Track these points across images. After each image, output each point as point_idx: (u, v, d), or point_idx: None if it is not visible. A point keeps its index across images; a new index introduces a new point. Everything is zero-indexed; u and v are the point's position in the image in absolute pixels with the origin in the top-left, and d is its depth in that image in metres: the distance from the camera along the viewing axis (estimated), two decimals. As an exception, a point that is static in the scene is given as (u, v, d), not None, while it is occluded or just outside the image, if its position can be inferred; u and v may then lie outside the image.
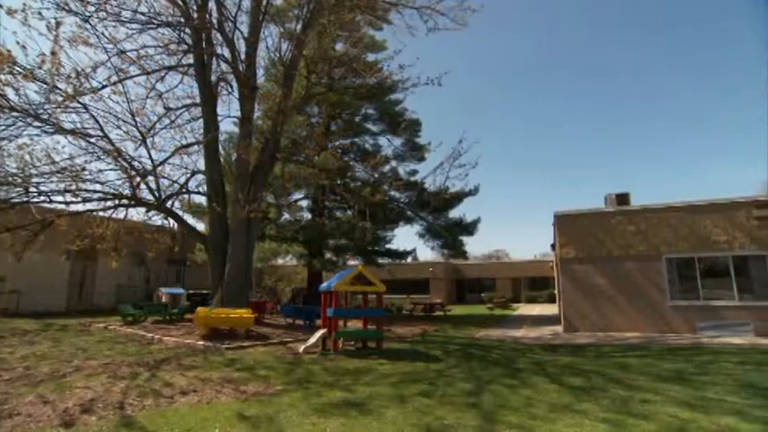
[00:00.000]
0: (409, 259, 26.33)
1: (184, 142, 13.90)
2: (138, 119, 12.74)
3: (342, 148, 22.65)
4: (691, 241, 13.16)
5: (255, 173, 14.30)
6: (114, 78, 11.81)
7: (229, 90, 15.21)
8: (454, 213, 21.58)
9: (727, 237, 12.82)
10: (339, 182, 17.94)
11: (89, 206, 12.76)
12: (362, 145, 23.26)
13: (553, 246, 14.96)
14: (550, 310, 24.06)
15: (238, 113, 14.57)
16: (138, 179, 12.88)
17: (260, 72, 16.31)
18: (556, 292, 19.11)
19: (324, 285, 10.41)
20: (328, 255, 22.75)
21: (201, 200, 17.09)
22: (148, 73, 12.75)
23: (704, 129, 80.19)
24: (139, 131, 12.80)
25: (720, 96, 74.16)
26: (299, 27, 14.20)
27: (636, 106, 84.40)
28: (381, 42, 21.21)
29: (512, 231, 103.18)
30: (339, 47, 17.62)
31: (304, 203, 24.49)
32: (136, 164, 13.05)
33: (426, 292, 35.37)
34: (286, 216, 23.05)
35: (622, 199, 15.58)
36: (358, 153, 22.70)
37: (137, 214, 15.45)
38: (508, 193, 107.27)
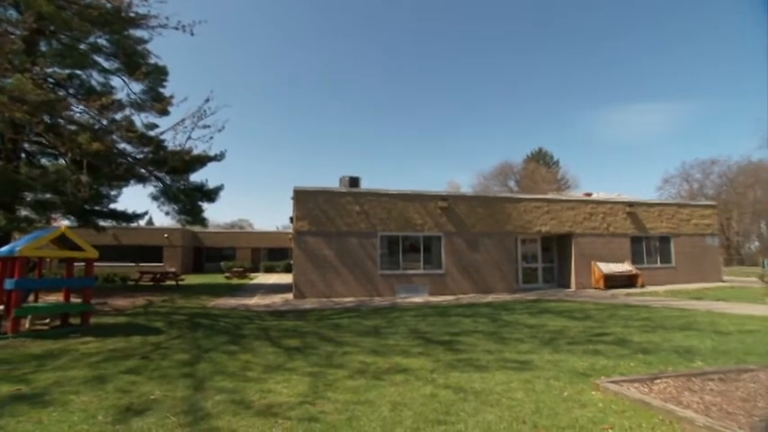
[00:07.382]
0: (142, 223, 23.20)
1: None
2: None
3: (54, 77, 17.78)
4: (399, 223, 16.30)
5: None
6: None
7: None
8: (196, 177, 20.12)
9: (422, 221, 16.48)
10: (47, 120, 14.05)
11: None
12: (87, 81, 18.84)
13: (292, 219, 15.90)
14: (286, 279, 25.46)
15: None
16: None
17: None
18: (292, 262, 20.48)
19: (4, 249, 8.11)
20: (25, 212, 17.69)
21: None
22: None
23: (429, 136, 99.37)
24: None
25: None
26: None
27: (383, 109, 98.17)
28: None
29: (259, 202, 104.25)
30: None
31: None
32: None
33: (160, 261, 32.08)
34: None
35: (354, 182, 17.85)
36: (81, 89, 18.30)
37: None
38: (257, 165, 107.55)
